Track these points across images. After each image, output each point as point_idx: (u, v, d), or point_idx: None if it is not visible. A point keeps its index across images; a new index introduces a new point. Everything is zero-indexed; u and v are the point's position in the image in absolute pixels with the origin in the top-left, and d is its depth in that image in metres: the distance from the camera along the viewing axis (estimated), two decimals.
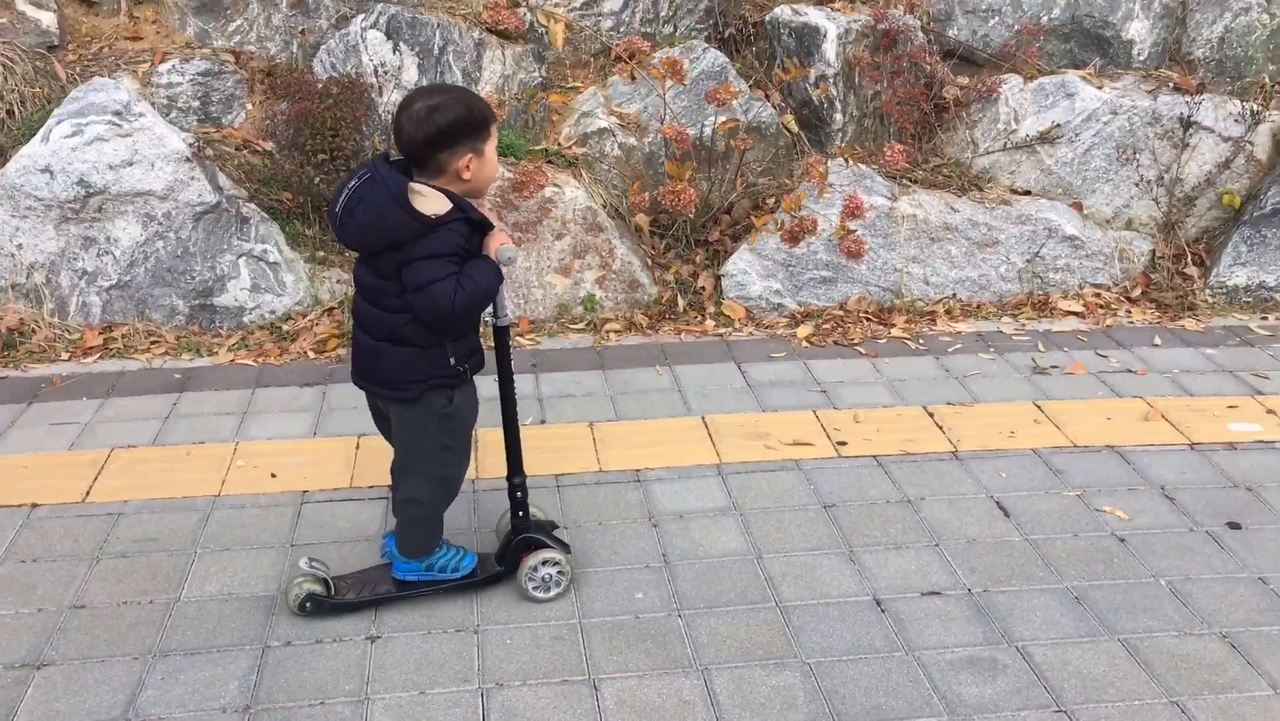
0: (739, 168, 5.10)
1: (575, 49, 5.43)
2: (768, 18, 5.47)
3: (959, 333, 4.79)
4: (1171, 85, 5.33)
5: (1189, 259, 5.24)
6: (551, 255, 4.83)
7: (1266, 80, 5.46)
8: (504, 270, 2.71)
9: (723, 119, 5.02)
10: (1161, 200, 5.27)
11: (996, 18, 5.49)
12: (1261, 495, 3.51)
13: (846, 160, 5.07)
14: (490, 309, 2.78)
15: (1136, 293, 5.14)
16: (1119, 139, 5.21)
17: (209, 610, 2.94)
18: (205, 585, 3.04)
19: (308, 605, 2.88)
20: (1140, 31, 5.48)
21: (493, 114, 2.65)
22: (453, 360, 2.70)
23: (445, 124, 2.53)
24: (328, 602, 2.89)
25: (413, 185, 2.54)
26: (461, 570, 2.97)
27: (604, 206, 4.97)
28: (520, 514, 2.98)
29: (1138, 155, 5.22)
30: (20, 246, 4.58)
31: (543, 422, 3.98)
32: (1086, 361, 4.50)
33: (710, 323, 4.83)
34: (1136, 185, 5.26)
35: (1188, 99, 5.20)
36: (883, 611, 2.94)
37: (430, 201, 2.54)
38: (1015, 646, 2.80)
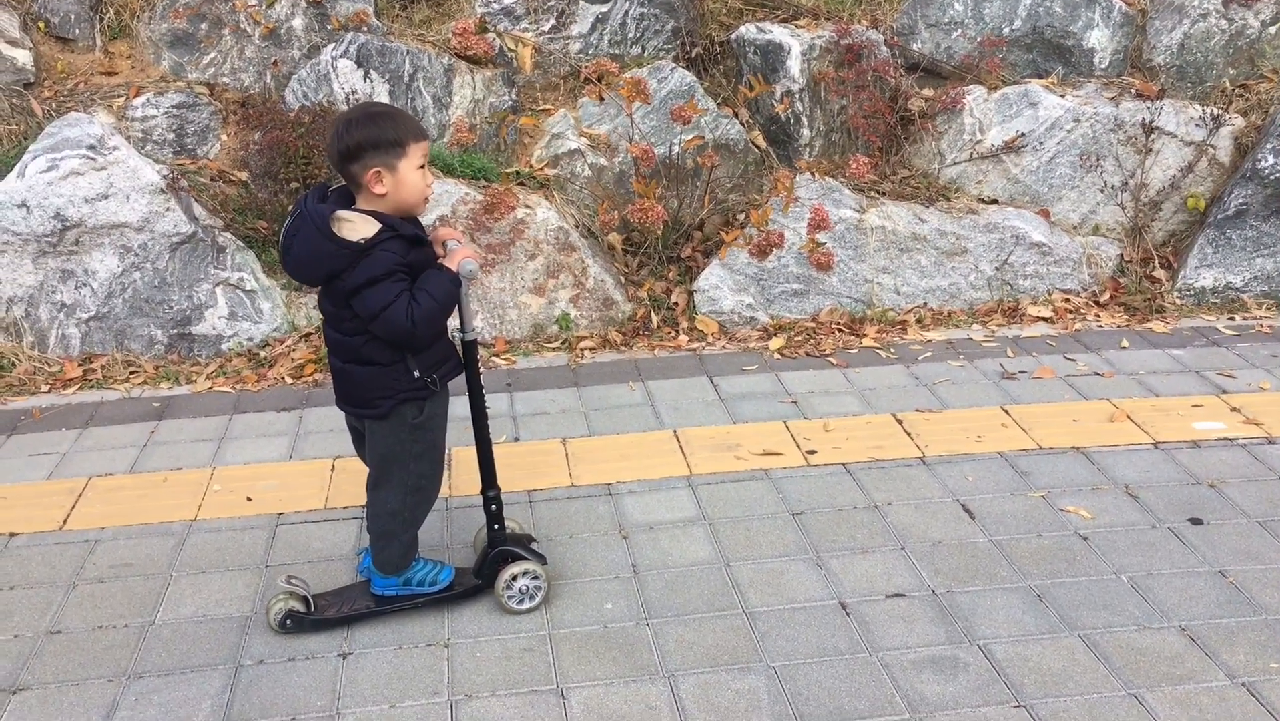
0: (708, 184, 5.18)
1: (544, 72, 5.51)
2: (733, 36, 5.56)
3: (929, 341, 4.85)
4: (1133, 92, 5.41)
5: (1156, 262, 5.31)
6: (525, 276, 4.89)
7: (1226, 84, 5.55)
8: (471, 285, 2.76)
9: (689, 137, 5.09)
10: (1127, 205, 5.34)
11: (959, 30, 5.58)
12: (1223, 491, 3.56)
13: (813, 174, 5.14)
14: (458, 324, 2.84)
15: (1105, 297, 5.20)
16: (1083, 146, 5.29)
17: (184, 632, 2.98)
18: (180, 607, 3.08)
19: (288, 622, 2.92)
20: (1101, 40, 5.57)
21: (415, 135, 2.65)
22: (417, 373, 2.75)
23: (353, 140, 2.60)
24: (308, 619, 2.93)
25: (339, 214, 2.61)
26: (439, 584, 3.02)
27: (576, 226, 5.03)
28: (495, 527, 3.03)
29: (1102, 161, 5.30)
30: None
31: (516, 440, 4.02)
32: (1055, 365, 4.56)
33: (684, 338, 4.89)
34: (1102, 191, 5.33)
35: (1149, 105, 5.28)
36: (847, 614, 2.99)
37: (357, 227, 2.60)
38: (977, 644, 2.85)
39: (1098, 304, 5.17)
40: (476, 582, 3.05)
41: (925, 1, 5.62)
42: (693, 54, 5.61)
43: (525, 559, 3.01)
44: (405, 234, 2.66)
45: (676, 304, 5.04)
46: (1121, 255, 5.32)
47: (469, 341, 2.89)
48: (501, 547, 3.02)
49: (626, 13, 5.53)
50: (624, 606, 3.04)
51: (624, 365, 4.68)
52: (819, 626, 2.94)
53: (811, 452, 3.87)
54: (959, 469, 3.74)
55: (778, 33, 5.41)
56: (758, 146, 5.41)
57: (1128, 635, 2.87)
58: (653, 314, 4.99)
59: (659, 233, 5.05)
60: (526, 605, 3.01)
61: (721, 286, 4.98)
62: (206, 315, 4.74)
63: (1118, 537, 3.32)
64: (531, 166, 5.15)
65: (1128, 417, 4.07)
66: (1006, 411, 4.15)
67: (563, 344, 4.86)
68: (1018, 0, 5.55)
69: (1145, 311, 5.10)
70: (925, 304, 5.10)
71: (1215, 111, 5.30)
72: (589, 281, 4.93)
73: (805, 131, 5.40)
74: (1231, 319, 5.07)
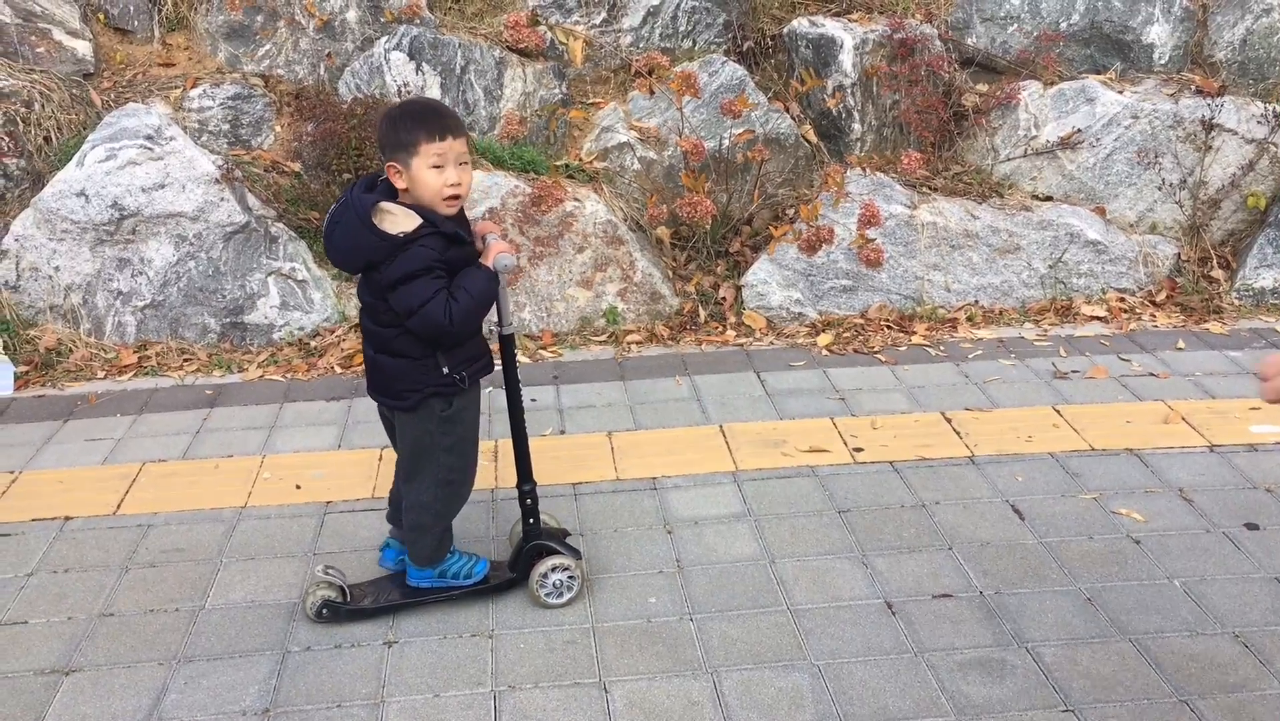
0: (757, 179, 5.15)
1: (595, 65, 5.51)
2: (785, 30, 5.52)
3: (980, 339, 4.80)
4: (1193, 88, 5.31)
5: (1214, 262, 5.22)
6: (573, 268, 4.90)
7: None
8: (510, 280, 2.76)
9: (739, 131, 5.07)
10: (1185, 203, 5.25)
11: (1015, 25, 5.51)
12: None
13: (864, 169, 5.10)
14: (495, 318, 2.85)
15: (1161, 296, 5.11)
16: (1141, 143, 5.20)
17: (232, 617, 3.01)
18: (230, 593, 3.12)
19: (324, 611, 2.95)
20: (1161, 35, 5.47)
21: (429, 136, 2.61)
22: (446, 369, 2.76)
23: (378, 135, 2.72)
24: (344, 609, 2.96)
25: (382, 205, 2.63)
26: (474, 576, 3.03)
27: (625, 220, 5.03)
28: (530, 521, 3.04)
29: (1160, 159, 5.20)
30: (58, 269, 4.71)
31: (562, 433, 4.03)
32: (1108, 366, 4.49)
33: (731, 333, 4.87)
34: (1159, 189, 5.24)
35: (1209, 101, 5.18)
36: (893, 614, 2.96)
37: (399, 220, 2.62)
38: (1025, 647, 2.81)
39: (1153, 303, 5.08)
40: (511, 576, 3.06)
41: None
42: (744, 48, 5.58)
43: (559, 553, 3.01)
44: (445, 231, 2.67)
45: (724, 298, 5.03)
46: (1179, 254, 5.22)
47: (506, 335, 2.89)
48: (536, 542, 3.03)
49: (678, 6, 5.52)
50: (668, 601, 3.04)
51: (670, 359, 4.67)
52: (864, 625, 2.92)
53: (859, 450, 3.84)
54: (1008, 469, 3.69)
55: (830, 26, 5.37)
56: (808, 141, 5.38)
57: (1180, 641, 2.83)
58: (700, 308, 4.98)
59: (707, 227, 5.04)
60: (560, 600, 3.01)
61: (770, 281, 4.95)
62: (259, 304, 4.80)
63: (1171, 541, 3.26)
64: (581, 159, 5.16)
65: (1183, 419, 4.00)
66: (1058, 411, 4.09)
67: (610, 337, 4.86)
68: None
69: (1202, 312, 5.00)
70: (976, 301, 5.04)
71: (1278, 109, 5.18)
72: (637, 275, 4.93)
73: (857, 126, 5.36)
74: None
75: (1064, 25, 5.49)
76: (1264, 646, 2.79)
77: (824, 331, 4.85)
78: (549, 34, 5.39)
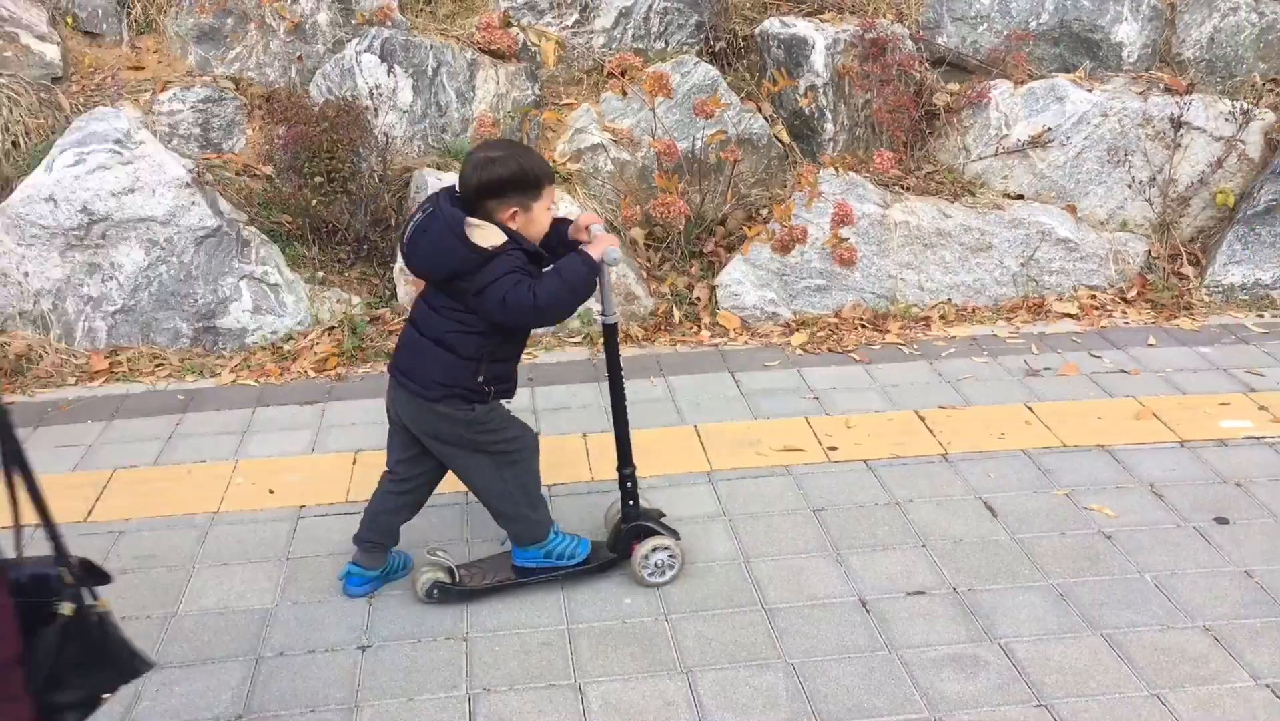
0: (731, 179, 5.16)
1: (568, 66, 5.51)
2: (757, 31, 5.53)
3: (953, 337, 4.82)
4: (1162, 86, 5.36)
5: (1184, 259, 5.26)
6: None
7: (1257, 79, 5.48)
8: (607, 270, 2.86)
9: (712, 131, 5.08)
10: (1155, 201, 5.29)
11: (985, 24, 5.54)
12: (1250, 490, 3.53)
13: (837, 169, 5.11)
14: (599, 307, 2.95)
15: (1132, 294, 5.15)
16: (1110, 141, 5.24)
17: (205, 623, 3.00)
18: (202, 599, 3.10)
19: (434, 592, 3.01)
20: (1129, 34, 5.51)
21: (549, 176, 2.80)
22: (480, 379, 2.84)
23: (496, 176, 2.71)
24: (454, 589, 3.02)
25: (470, 220, 2.70)
26: (577, 556, 3.11)
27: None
28: (630, 503, 3.11)
29: (1130, 157, 5.24)
30: (27, 274, 4.67)
31: (537, 434, 4.01)
32: (1080, 363, 4.52)
33: (705, 333, 4.88)
34: (1129, 186, 5.28)
35: (1178, 99, 5.22)
36: (867, 611, 2.98)
37: (487, 234, 2.70)
38: (998, 643, 2.83)
39: (1124, 300, 5.12)
40: (612, 556, 3.13)
41: None
42: (716, 48, 5.59)
43: (660, 534, 3.09)
44: (527, 249, 2.76)
45: (699, 299, 5.03)
46: (1149, 251, 5.27)
47: (609, 325, 2.98)
48: (636, 523, 3.10)
49: (650, 7, 5.52)
50: (643, 601, 3.04)
51: (645, 360, 4.68)
52: (838, 623, 2.93)
53: (833, 449, 3.85)
54: (981, 466, 3.71)
55: (802, 27, 5.38)
56: (781, 141, 5.39)
57: (1151, 635, 2.85)
58: (674, 309, 4.98)
59: (681, 228, 5.05)
60: (662, 578, 3.08)
61: (744, 282, 4.96)
62: (231, 308, 4.77)
63: (1142, 536, 3.29)
64: (554, 161, 5.15)
65: (1154, 415, 4.03)
66: (1030, 409, 4.12)
67: (584, 339, 4.86)
68: None
69: (1173, 308, 5.04)
70: (949, 300, 5.07)
71: (1245, 106, 5.24)
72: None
73: (829, 126, 5.37)
74: (1260, 316, 5.01)
75: (1034, 24, 5.53)
76: (1234, 639, 2.82)
77: (798, 331, 4.87)
78: (521, 35, 5.38)
